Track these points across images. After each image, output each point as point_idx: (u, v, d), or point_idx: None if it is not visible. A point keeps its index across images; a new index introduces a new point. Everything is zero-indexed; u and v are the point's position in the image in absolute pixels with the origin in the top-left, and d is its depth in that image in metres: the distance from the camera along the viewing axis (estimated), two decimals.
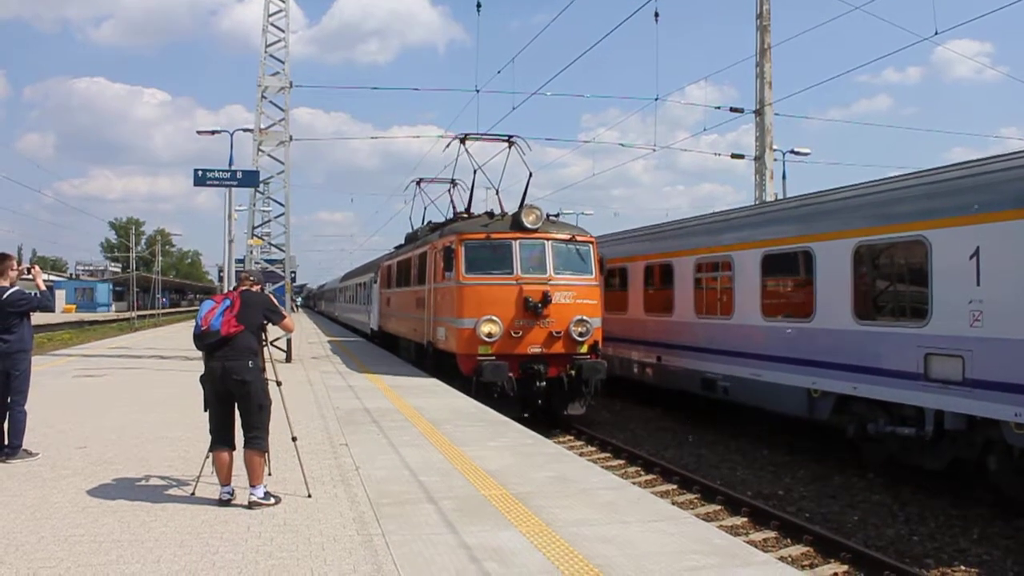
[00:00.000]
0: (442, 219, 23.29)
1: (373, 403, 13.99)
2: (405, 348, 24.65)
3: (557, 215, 17.68)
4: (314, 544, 6.06)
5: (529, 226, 16.39)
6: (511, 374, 15.67)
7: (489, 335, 15.80)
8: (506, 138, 19.69)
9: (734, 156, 26.37)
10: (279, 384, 7.84)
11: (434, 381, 17.14)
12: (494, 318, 15.81)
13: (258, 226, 25.45)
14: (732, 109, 24.64)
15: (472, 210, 20.72)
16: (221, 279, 28.13)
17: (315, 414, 12.61)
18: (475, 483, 7.97)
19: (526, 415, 15.87)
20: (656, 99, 32.08)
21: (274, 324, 7.58)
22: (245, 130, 27.51)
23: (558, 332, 16.04)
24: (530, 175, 19.17)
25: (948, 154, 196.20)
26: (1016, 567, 8.71)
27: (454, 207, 23.16)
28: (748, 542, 8.35)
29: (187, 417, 11.20)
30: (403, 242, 28.03)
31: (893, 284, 12.14)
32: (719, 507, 10.83)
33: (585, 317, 16.20)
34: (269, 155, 23.64)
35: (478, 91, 23.53)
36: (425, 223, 25.37)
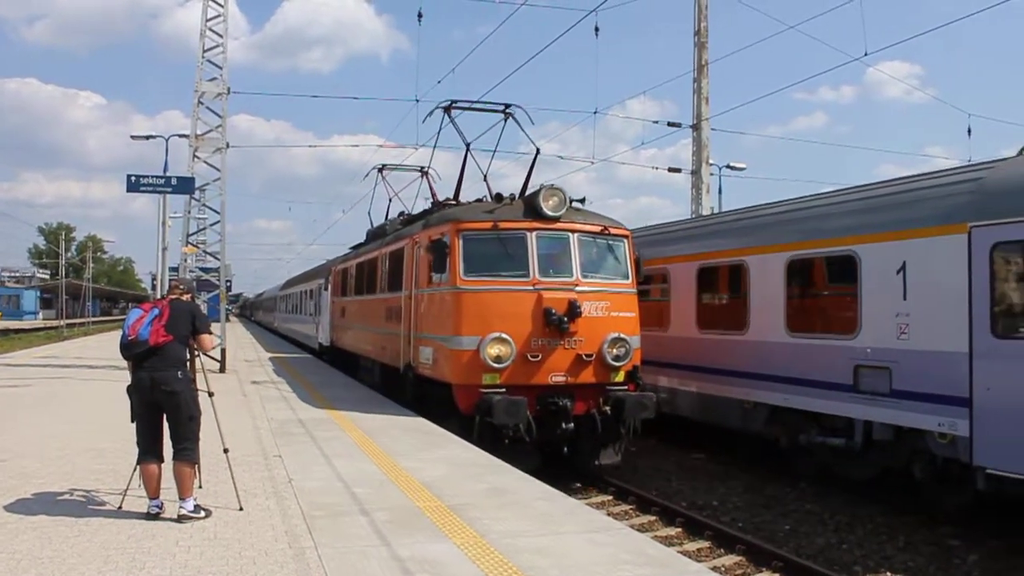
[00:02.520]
0: (413, 213, 19.21)
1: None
2: (367, 370, 20.16)
3: (582, 201, 13.34)
4: (245, 558, 5.95)
5: (549, 213, 12.30)
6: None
7: (498, 359, 11.65)
8: (501, 108, 15.47)
9: (671, 170, 26.74)
10: (211, 395, 7.70)
11: (420, 421, 12.81)
12: (504, 336, 11.66)
13: (193, 233, 24.93)
14: (670, 124, 24.99)
15: (460, 198, 15.98)
16: (154, 287, 27.53)
17: (248, 425, 12.39)
18: (410, 495, 7.91)
19: (542, 465, 11.57)
20: (595, 112, 32.37)
21: (195, 334, 7.34)
22: (181, 136, 27.05)
23: (588, 355, 11.97)
24: (537, 153, 15.30)
25: (877, 170, 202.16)
26: (939, 572, 8.95)
27: (434, 195, 17.72)
28: (682, 552, 8.45)
29: (116, 428, 10.89)
30: (364, 240, 23.23)
31: (824, 297, 12.41)
32: (654, 518, 10.92)
33: (623, 335, 12.20)
34: (205, 162, 23.23)
35: (418, 101, 23.55)
36: (397, 215, 20.73)
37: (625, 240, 13.06)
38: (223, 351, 22.60)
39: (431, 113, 15.48)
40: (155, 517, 6.94)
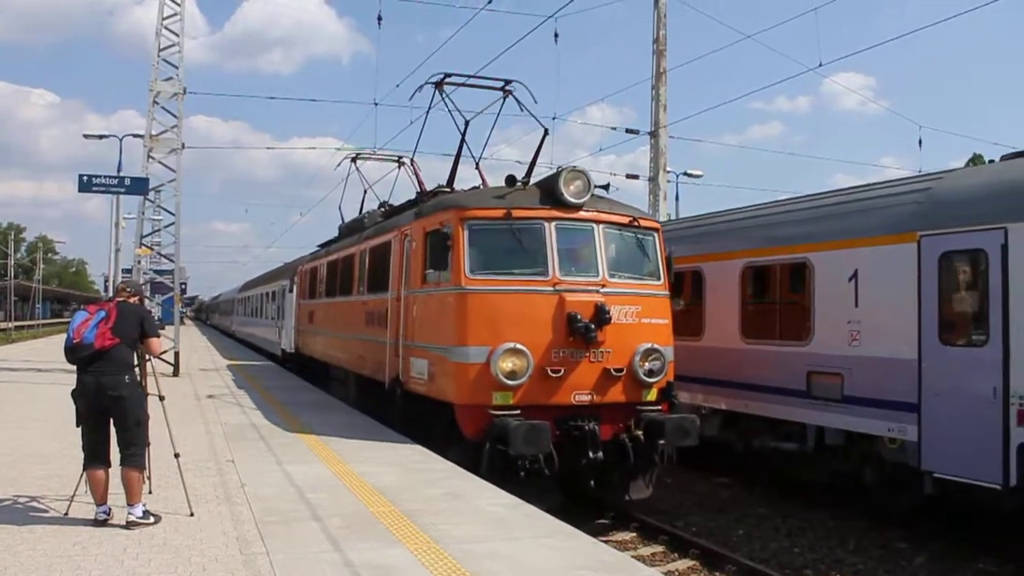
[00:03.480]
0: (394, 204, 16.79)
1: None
2: (339, 381, 18.11)
3: (606, 187, 11.56)
4: (194, 564, 5.86)
5: (571, 199, 10.48)
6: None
7: (512, 375, 9.83)
8: (501, 84, 13.62)
9: (629, 176, 26.97)
10: (162, 399, 7.58)
11: (421, 451, 10.52)
12: (520, 347, 9.85)
13: (147, 235, 24.57)
14: (628, 130, 25.15)
15: (454, 187, 13.82)
16: (107, 289, 27.07)
17: (200, 430, 12.22)
18: (364, 500, 7.85)
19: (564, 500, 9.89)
20: (554, 118, 32.47)
21: (143, 338, 7.20)
22: (135, 136, 26.68)
23: (618, 370, 10.23)
24: (545, 133, 13.28)
25: (831, 180, 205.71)
26: (887, 575, 9.11)
27: (420, 184, 15.37)
28: (636, 557, 8.51)
29: (64, 433, 10.66)
30: (336, 236, 20.83)
31: (778, 304, 12.58)
32: (608, 522, 10.95)
33: (657, 346, 10.49)
34: (160, 162, 22.95)
35: (376, 104, 23.37)
36: (377, 207, 17.90)
37: (655, 233, 11.27)
38: (176, 355, 22.28)
39: (420, 88, 13.73)
40: (103, 524, 6.81)
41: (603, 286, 10.33)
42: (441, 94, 13.56)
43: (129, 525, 6.74)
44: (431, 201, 12.33)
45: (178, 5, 22.85)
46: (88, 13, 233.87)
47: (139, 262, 24.70)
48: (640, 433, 10.24)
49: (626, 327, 10.33)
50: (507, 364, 9.83)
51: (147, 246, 24.57)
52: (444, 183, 13.73)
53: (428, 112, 14.39)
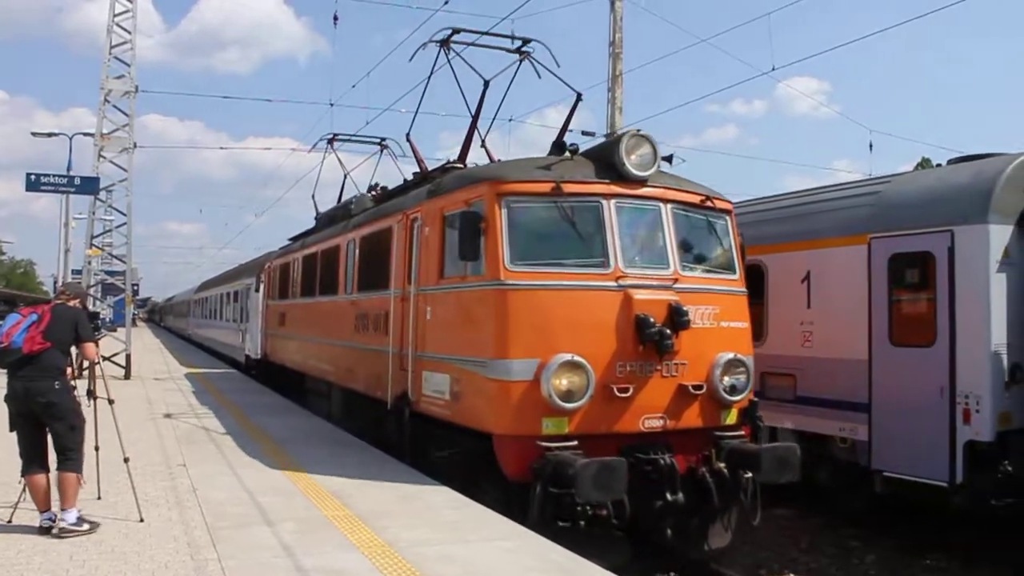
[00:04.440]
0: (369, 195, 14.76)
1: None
2: (319, 395, 15.61)
3: (669, 158, 9.55)
4: (143, 571, 5.77)
5: (634, 172, 8.43)
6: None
7: (568, 396, 7.71)
8: (517, 45, 11.96)
9: None
10: (111, 402, 7.45)
11: (452, 496, 8.18)
12: (579, 360, 7.73)
13: (98, 235, 24.13)
14: (584, 132, 25.11)
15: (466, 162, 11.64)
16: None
17: (152, 433, 12.01)
18: (318, 504, 7.77)
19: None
20: (511, 120, 32.45)
21: (78, 342, 7.01)
22: (86, 134, 26.20)
23: (697, 387, 8.21)
24: (578, 98, 11.18)
25: (785, 182, 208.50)
26: (840, 573, 9.25)
27: (421, 163, 13.09)
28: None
29: (6, 438, 10.44)
30: (313, 227, 18.48)
31: None
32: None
33: (740, 356, 8.52)
34: (112, 161, 22.54)
35: (332, 105, 23.11)
36: (369, 189, 15.21)
37: (728, 216, 9.31)
38: (128, 357, 21.92)
39: (424, 46, 11.83)
40: (47, 531, 6.64)
41: (675, 281, 8.33)
42: (447, 54, 11.84)
43: (61, 532, 6.53)
44: (451, 175, 10.09)
45: (130, 2, 22.46)
46: (38, 8, 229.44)
47: (89, 263, 24.26)
48: (723, 466, 8.15)
49: (703, 333, 8.29)
50: (563, 382, 7.65)
51: (98, 247, 24.15)
52: (455, 160, 11.58)
53: (431, 76, 12.43)
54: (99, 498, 7.56)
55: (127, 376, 21.37)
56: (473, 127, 11.82)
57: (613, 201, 8.34)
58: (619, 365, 7.91)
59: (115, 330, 25.47)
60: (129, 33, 22.46)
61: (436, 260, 9.27)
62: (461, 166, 11.11)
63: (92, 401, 7.68)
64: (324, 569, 5.82)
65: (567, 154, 8.84)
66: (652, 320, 7.86)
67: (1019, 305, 9.00)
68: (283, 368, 18.93)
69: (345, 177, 18.27)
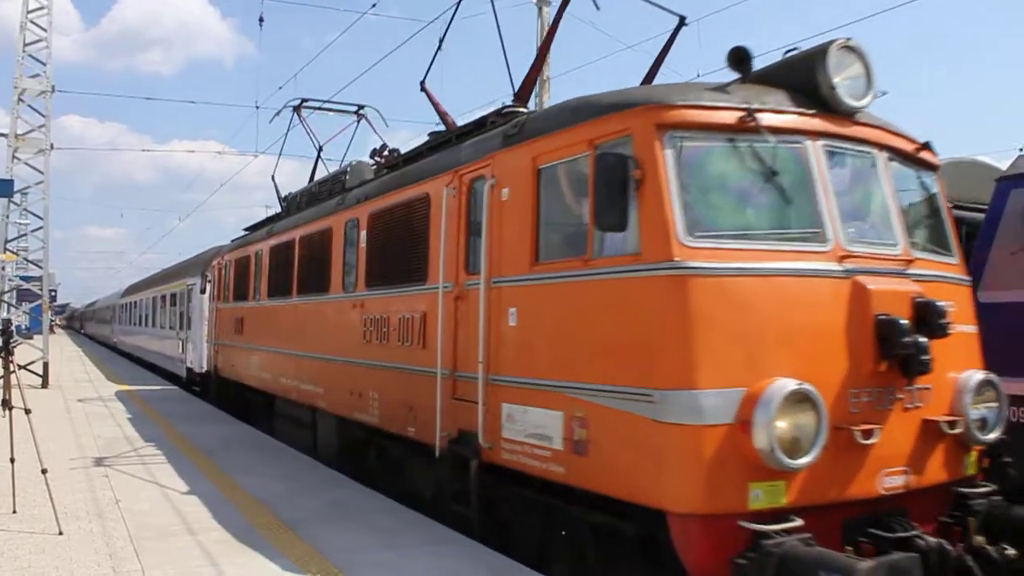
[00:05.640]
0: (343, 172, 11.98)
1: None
2: (299, 424, 12.31)
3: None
4: None
5: (846, 100, 5.72)
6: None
7: (796, 447, 4.86)
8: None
9: None
10: (27, 412, 7.24)
11: None
12: (809, 389, 4.89)
13: (12, 240, 23.39)
14: None
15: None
16: None
17: (71, 443, 11.66)
18: (245, 512, 7.66)
19: None
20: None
21: None
22: None
23: (951, 423, 5.58)
24: (680, 22, 8.64)
25: None
26: None
27: (444, 116, 10.06)
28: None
29: None
30: (280, 212, 15.23)
31: None
32: None
33: (990, 375, 5.91)
34: (27, 163, 21.85)
35: (258, 107, 22.77)
36: (373, 153, 11.64)
37: (935, 174, 6.61)
38: (45, 365, 21.25)
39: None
40: None
41: (908, 264, 5.69)
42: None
43: None
44: (553, 108, 7.02)
45: None
46: None
47: (3, 268, 23.44)
48: (983, 540, 5.45)
49: (947, 343, 5.56)
50: (790, 425, 4.85)
51: (12, 251, 23.41)
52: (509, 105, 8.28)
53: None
54: (15, 512, 7.33)
55: (45, 385, 20.73)
56: (554, 27, 9.17)
57: (820, 143, 5.60)
58: (852, 394, 5.19)
59: (31, 337, 24.68)
60: (44, 31, 21.82)
61: (526, 236, 6.34)
62: (524, 110, 8.03)
63: (7, 411, 7.45)
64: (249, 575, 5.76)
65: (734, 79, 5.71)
66: (903, 324, 5.22)
67: None
68: (241, 387, 15.67)
69: (320, 149, 15.28)
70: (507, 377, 6.49)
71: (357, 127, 12.67)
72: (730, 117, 5.35)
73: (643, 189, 5.28)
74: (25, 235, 24.13)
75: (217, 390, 18.04)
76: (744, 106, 5.38)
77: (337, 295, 10.42)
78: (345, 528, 7.12)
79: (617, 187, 5.31)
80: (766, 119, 5.40)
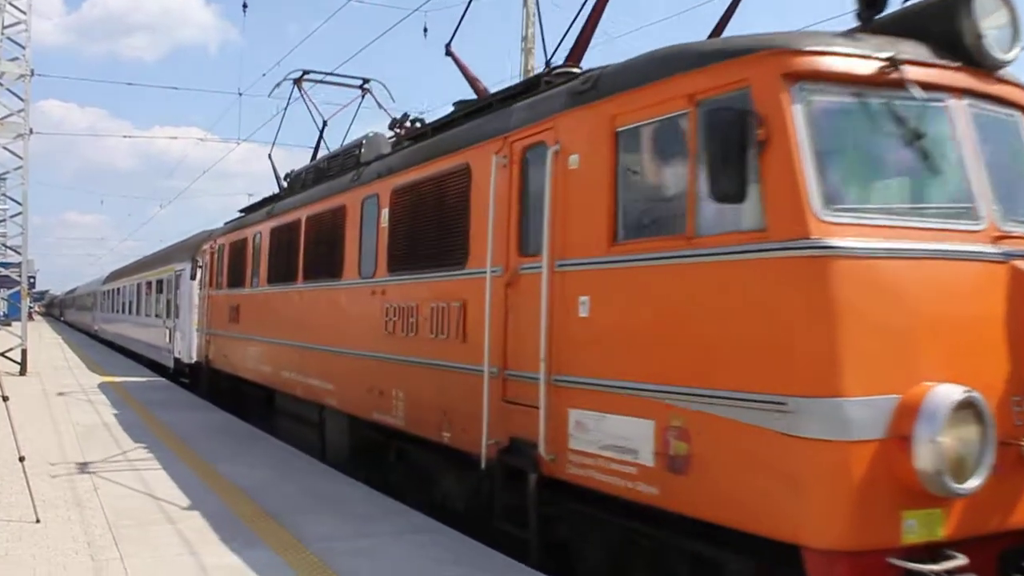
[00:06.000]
0: (353, 148, 10.89)
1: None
2: (303, 422, 11.32)
3: None
4: (39, 575, 5.57)
5: (995, 53, 4.81)
6: None
7: (963, 466, 4.05)
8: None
9: None
10: (5, 399, 7.20)
11: None
12: (976, 397, 4.08)
13: None
14: None
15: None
16: None
17: (50, 431, 11.59)
18: (226, 500, 7.64)
19: None
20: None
21: None
22: None
23: None
24: None
25: None
26: None
27: (476, 83, 9.06)
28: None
29: None
30: (281, 191, 14.18)
31: None
32: None
33: None
34: (6, 148, 21.60)
35: (241, 94, 22.64)
36: (389, 125, 10.38)
37: None
38: (24, 352, 21.10)
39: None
40: None
41: None
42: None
43: None
44: (638, 59, 5.56)
45: None
46: None
47: None
48: None
49: None
50: (955, 441, 4.06)
51: None
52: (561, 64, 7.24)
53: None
54: None
55: (23, 372, 20.59)
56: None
57: (965, 102, 4.76)
58: (1015, 402, 4.42)
59: (9, 324, 24.47)
60: (24, 13, 21.53)
61: (601, 212, 5.38)
62: (578, 70, 6.91)
63: None
64: (232, 567, 5.72)
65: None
66: None
67: None
68: (237, 380, 14.67)
69: (324, 124, 14.18)
70: (576, 378, 5.52)
71: (361, 103, 12.12)
72: (869, 68, 4.51)
73: (767, 152, 4.38)
74: (4, 221, 23.81)
75: (209, 382, 17.18)
76: (886, 55, 4.51)
77: (352, 281, 9.40)
78: (324, 517, 7.11)
79: (735, 149, 4.39)
80: (910, 72, 4.54)
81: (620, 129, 5.34)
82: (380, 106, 13.44)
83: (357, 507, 7.49)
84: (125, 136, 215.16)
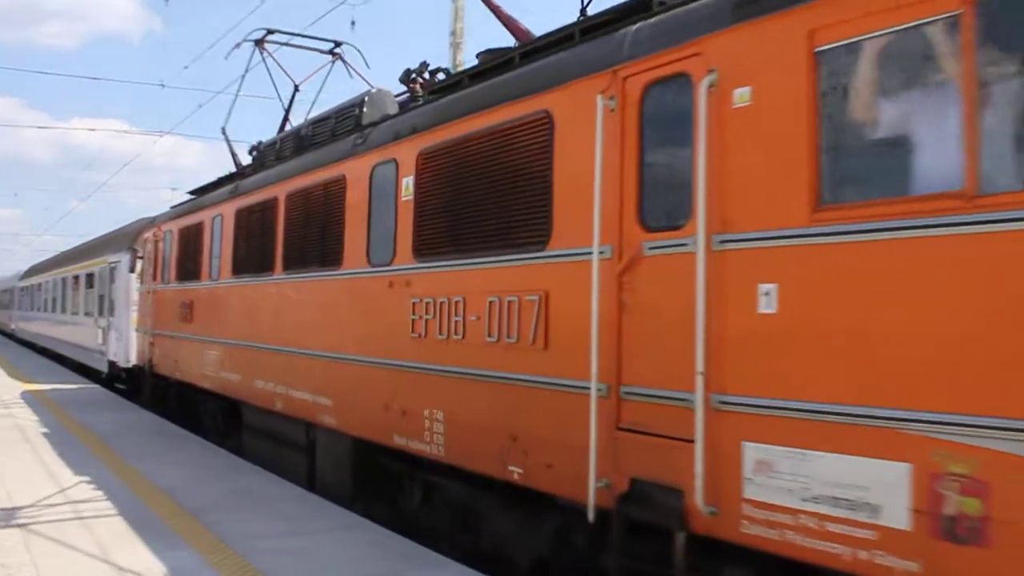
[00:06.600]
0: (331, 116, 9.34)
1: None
2: (285, 444, 9.25)
3: None
4: None
5: None
6: None
7: None
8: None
9: None
10: None
11: None
12: None
13: None
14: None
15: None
16: None
17: None
18: (146, 500, 7.43)
19: None
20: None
21: None
22: None
23: None
24: None
25: None
26: None
27: (515, 27, 7.41)
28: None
29: None
30: (248, 164, 11.84)
31: None
32: None
33: None
34: None
35: (163, 86, 22.15)
36: (404, 74, 8.48)
37: None
38: None
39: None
40: None
41: None
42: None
43: None
44: None
45: None
46: None
47: None
48: None
49: None
50: None
51: None
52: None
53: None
54: None
55: None
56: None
57: None
58: None
59: None
60: None
61: (796, 165, 3.91)
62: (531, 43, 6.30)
63: None
64: (152, 569, 5.57)
65: None
66: None
67: None
68: (190, 388, 12.82)
69: (296, 88, 12.44)
70: (756, 399, 3.99)
71: (331, 69, 10.79)
72: None
73: None
74: None
75: (153, 391, 15.16)
76: None
77: (357, 270, 7.61)
78: (250, 515, 6.98)
79: None
80: None
81: (821, 49, 3.84)
82: (353, 73, 11.82)
83: (284, 506, 7.36)
84: (41, 127, 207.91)
